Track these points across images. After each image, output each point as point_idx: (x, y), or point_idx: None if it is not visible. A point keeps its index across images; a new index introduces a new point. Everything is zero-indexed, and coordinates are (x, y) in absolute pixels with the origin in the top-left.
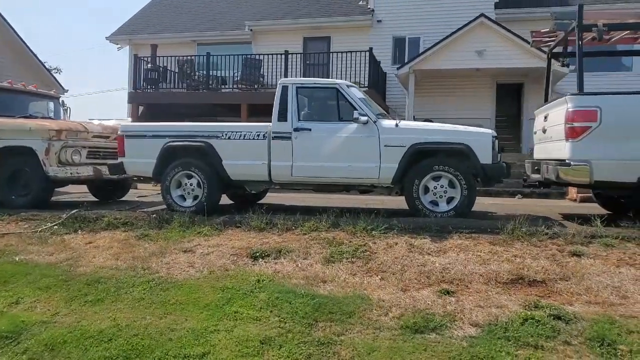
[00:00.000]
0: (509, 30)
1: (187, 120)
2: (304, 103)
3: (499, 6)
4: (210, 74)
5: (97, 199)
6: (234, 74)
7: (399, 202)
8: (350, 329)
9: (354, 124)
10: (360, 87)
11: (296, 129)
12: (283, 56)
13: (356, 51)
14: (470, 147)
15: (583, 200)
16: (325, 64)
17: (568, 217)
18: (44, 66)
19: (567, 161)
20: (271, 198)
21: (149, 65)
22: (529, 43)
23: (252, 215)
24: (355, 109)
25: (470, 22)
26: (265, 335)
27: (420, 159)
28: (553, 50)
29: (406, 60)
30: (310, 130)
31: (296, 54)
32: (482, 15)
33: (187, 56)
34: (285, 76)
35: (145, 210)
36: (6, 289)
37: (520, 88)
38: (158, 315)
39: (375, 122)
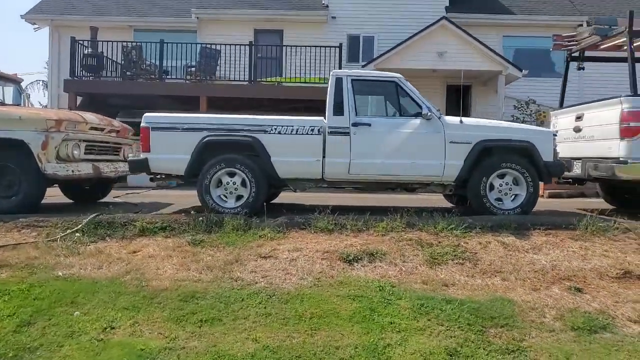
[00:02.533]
0: (469, 34)
1: (123, 113)
2: (359, 97)
3: (450, 10)
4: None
5: (72, 201)
6: (186, 63)
7: (431, 200)
8: (526, 334)
9: (416, 120)
10: (325, 82)
11: (355, 124)
12: (236, 47)
13: (323, 46)
14: (534, 145)
15: (552, 196)
16: (277, 58)
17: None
18: None
19: (622, 159)
20: (284, 197)
21: (89, 50)
22: (487, 47)
23: (317, 215)
24: (418, 104)
25: (433, 24)
26: (445, 346)
27: (484, 156)
28: (572, 54)
29: (360, 58)
30: (370, 125)
31: (261, 45)
32: (443, 17)
33: (135, 42)
34: (251, 68)
35: (181, 212)
36: (84, 312)
37: (468, 90)
38: (304, 331)
39: (439, 117)
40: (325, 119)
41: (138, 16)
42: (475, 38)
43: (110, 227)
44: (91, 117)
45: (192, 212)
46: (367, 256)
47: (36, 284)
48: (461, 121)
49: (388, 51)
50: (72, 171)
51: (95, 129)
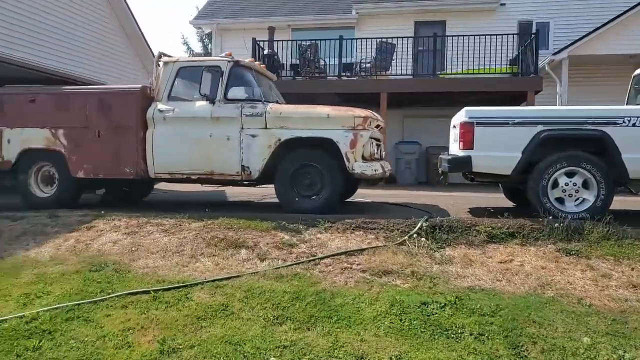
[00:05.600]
0: None
1: None
2: None
3: None
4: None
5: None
6: (361, 60)
7: None
8: None
9: None
10: (511, 72)
11: None
12: (401, 40)
13: (506, 34)
14: None
15: None
16: (439, 50)
17: None
18: (152, 51)
19: None
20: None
21: (268, 50)
22: None
23: None
24: None
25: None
26: None
27: None
28: None
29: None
30: None
31: (448, 36)
32: None
33: (312, 40)
34: (436, 60)
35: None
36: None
37: None
38: None
39: None
40: None
41: (297, 15)
42: None
43: (450, 231)
44: (376, 114)
45: (547, 218)
46: None
47: (462, 296)
48: None
49: (586, 35)
50: (375, 170)
51: (377, 126)
